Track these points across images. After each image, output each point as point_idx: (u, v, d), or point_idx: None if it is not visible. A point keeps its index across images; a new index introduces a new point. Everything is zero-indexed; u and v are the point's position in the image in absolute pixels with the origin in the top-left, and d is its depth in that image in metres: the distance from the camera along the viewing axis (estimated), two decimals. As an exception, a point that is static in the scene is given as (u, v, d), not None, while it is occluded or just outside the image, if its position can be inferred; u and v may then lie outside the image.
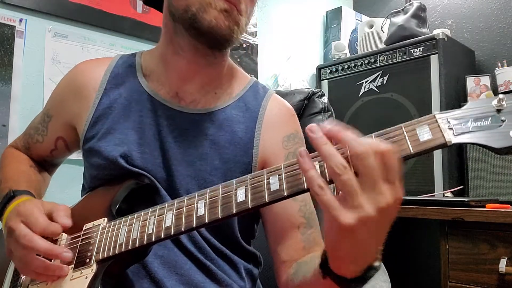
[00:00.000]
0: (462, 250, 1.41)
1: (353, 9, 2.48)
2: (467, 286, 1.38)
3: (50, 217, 0.69)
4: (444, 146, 0.45)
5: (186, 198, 0.59)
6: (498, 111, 0.44)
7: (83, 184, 0.85)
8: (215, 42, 0.72)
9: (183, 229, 0.57)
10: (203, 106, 0.78)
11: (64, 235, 0.70)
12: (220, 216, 0.54)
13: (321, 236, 0.77)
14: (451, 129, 0.45)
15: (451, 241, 1.44)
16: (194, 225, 0.56)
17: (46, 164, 0.93)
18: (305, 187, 0.49)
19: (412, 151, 0.46)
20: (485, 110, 0.45)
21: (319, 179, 0.45)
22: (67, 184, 1.23)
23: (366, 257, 0.48)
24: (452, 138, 0.45)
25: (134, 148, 0.74)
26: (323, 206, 0.45)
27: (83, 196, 0.79)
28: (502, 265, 1.29)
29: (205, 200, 0.56)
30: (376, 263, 0.49)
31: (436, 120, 0.46)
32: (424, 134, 0.46)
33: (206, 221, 0.55)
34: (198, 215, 0.56)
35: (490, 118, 0.44)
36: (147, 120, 0.76)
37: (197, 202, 0.57)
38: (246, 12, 0.73)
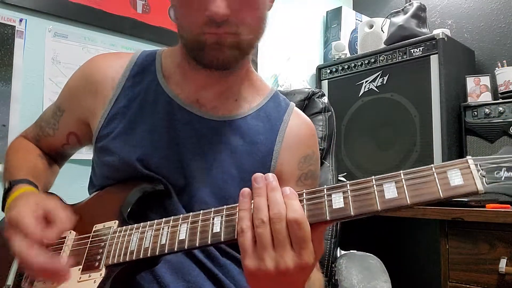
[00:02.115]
0: (462, 250, 1.41)
1: (353, 9, 2.48)
2: (467, 286, 1.38)
3: (48, 218, 0.64)
4: (474, 194, 0.45)
5: (201, 212, 0.58)
6: None
7: (90, 178, 0.83)
8: (220, 69, 0.71)
9: (197, 245, 0.55)
10: (224, 113, 0.77)
11: (72, 233, 0.69)
12: (236, 236, 0.53)
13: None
14: (483, 176, 0.45)
15: (451, 241, 1.44)
16: (209, 242, 0.54)
17: (56, 156, 0.90)
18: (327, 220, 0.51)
19: (441, 196, 0.45)
20: None
21: (245, 222, 0.51)
22: (69, 185, 1.22)
23: None
24: (483, 187, 0.44)
25: (150, 152, 0.72)
26: (240, 246, 0.50)
27: (93, 194, 0.77)
28: (502, 265, 1.29)
29: (222, 217, 0.55)
30: None
31: (469, 166, 0.45)
32: (455, 178, 0.45)
33: (222, 239, 0.54)
34: (213, 232, 0.55)
35: None
36: (165, 123, 0.74)
37: (213, 219, 0.56)
38: (246, 24, 0.67)
